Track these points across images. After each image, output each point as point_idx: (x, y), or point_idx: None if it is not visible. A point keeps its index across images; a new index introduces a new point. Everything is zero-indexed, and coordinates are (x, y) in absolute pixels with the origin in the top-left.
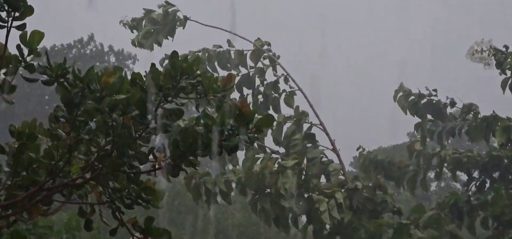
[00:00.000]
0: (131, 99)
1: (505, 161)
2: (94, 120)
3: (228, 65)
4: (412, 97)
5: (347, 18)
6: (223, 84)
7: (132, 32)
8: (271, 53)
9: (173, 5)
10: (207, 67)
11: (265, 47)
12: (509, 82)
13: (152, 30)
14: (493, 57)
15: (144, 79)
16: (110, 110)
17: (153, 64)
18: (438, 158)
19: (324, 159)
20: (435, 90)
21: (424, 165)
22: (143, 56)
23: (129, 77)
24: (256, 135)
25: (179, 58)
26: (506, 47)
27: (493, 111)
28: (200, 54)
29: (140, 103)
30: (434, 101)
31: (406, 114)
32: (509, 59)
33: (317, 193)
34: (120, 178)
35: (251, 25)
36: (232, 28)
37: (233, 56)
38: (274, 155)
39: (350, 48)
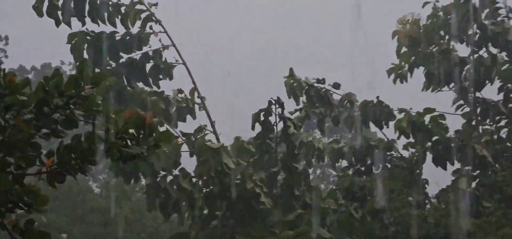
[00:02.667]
0: (28, 101)
1: (377, 150)
2: None
3: (107, 17)
4: (306, 86)
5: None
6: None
7: None
8: (147, 14)
9: None
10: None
11: (152, 8)
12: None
13: None
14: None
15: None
16: (5, 110)
17: (57, 69)
18: (312, 146)
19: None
20: (323, 79)
21: (299, 150)
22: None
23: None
24: (154, 149)
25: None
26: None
27: (377, 97)
28: None
29: (38, 106)
30: (319, 89)
31: (290, 98)
32: None
33: None
34: (5, 178)
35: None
36: None
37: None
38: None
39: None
